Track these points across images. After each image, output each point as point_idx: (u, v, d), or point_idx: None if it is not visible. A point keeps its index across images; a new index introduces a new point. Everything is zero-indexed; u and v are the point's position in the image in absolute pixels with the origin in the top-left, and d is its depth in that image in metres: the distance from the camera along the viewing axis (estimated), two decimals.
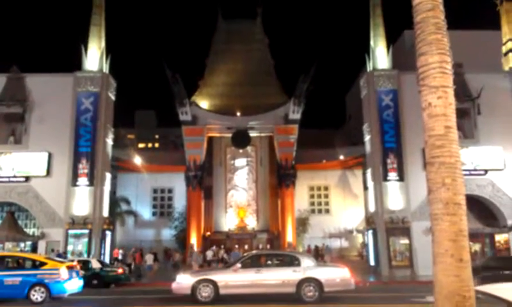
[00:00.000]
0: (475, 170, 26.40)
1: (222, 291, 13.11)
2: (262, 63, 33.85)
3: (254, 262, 14.07)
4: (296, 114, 29.94)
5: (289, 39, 76.04)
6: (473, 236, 25.88)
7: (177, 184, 32.43)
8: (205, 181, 31.32)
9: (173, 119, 31.43)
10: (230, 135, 31.21)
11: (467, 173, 25.92)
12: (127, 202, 31.98)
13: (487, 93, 26.50)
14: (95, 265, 19.93)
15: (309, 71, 29.21)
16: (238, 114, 31.24)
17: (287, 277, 13.15)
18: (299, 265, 13.41)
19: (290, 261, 13.80)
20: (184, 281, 13.45)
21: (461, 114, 26.59)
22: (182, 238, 30.80)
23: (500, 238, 26.14)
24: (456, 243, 4.50)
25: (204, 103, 32.80)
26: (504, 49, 29.75)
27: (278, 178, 30.67)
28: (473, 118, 27.22)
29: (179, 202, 32.57)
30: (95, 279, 18.58)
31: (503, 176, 26.50)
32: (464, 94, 26.75)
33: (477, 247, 26.55)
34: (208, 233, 31.88)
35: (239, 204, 33.32)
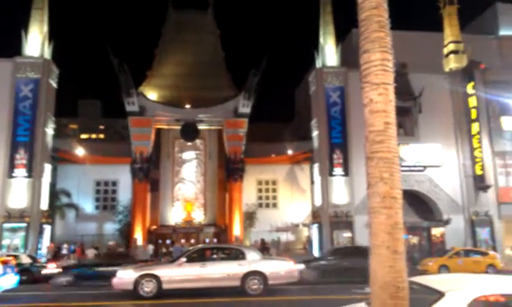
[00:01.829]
0: (414, 166, 27.64)
1: (165, 286, 12.94)
2: (212, 55, 33.52)
3: (199, 256, 14.02)
4: (245, 107, 29.94)
5: (240, 32, 76.02)
6: (412, 230, 27.18)
7: (122, 176, 31.50)
8: (151, 174, 30.61)
9: (119, 110, 30.48)
10: (178, 127, 30.71)
11: (407, 169, 27.17)
12: (68, 195, 30.72)
13: (428, 92, 27.77)
14: (25, 260, 19.00)
15: (259, 66, 29.31)
16: (187, 106, 30.80)
17: (232, 271, 13.18)
18: (244, 258, 13.48)
19: (236, 254, 13.86)
20: (125, 276, 13.15)
21: (404, 112, 27.77)
22: (126, 233, 30.01)
23: (436, 231, 27.52)
24: (392, 235, 4.62)
25: (152, 94, 32.06)
26: (445, 51, 31.25)
27: (227, 172, 30.56)
28: (414, 116, 28.45)
29: (124, 195, 31.64)
30: (24, 275, 17.51)
31: (440, 172, 27.92)
32: (407, 93, 27.91)
33: (415, 240, 27.82)
34: (154, 227, 31.25)
35: (186, 197, 32.91)
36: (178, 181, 33.24)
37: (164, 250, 29.12)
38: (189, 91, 31.16)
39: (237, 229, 29.38)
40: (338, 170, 27.08)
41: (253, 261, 13.43)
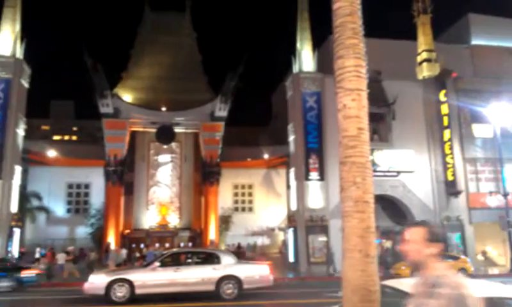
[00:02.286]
0: (388, 171, 28.03)
1: (138, 291, 12.75)
2: (189, 58, 33.32)
3: (173, 260, 13.87)
4: (222, 111, 29.87)
5: (218, 35, 75.87)
6: (385, 234, 27.53)
7: (95, 179, 30.92)
8: (125, 177, 30.17)
9: (93, 111, 29.98)
10: (154, 130, 30.40)
11: (381, 174, 27.55)
12: (39, 197, 29.93)
13: (402, 99, 28.23)
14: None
15: (237, 69, 29.30)
16: (163, 108, 30.50)
17: (207, 275, 13.09)
18: (219, 262, 13.41)
19: (211, 259, 13.77)
20: (97, 281, 12.91)
21: (378, 118, 28.20)
22: (98, 237, 29.44)
23: None
24: (364, 239, 4.66)
25: (127, 96, 31.63)
26: (419, 59, 31.89)
27: (203, 176, 30.39)
28: (388, 122, 28.89)
29: (97, 198, 31.05)
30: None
31: (413, 177, 28.41)
32: (381, 100, 28.35)
33: (388, 244, 28.20)
34: (128, 231, 30.78)
35: (161, 201, 32.54)
36: (153, 185, 32.86)
37: (137, 254, 28.70)
38: (165, 93, 30.88)
39: (212, 233, 29.23)
40: (314, 174, 27.26)
41: (228, 265, 13.38)
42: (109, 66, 37.18)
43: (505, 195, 26.10)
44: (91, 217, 30.96)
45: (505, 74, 29.39)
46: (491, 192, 28.11)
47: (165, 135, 30.32)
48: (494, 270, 26.31)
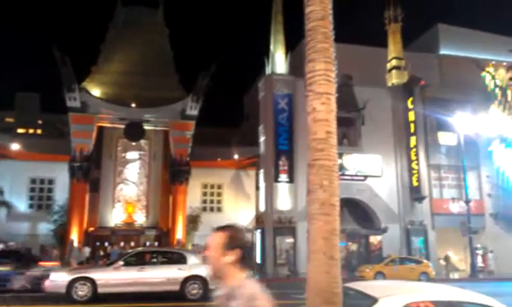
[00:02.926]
0: (356, 175, 28.51)
1: (101, 290, 12.51)
2: (161, 55, 32.86)
3: (138, 260, 13.68)
4: (193, 110, 29.63)
5: (191, 34, 75.26)
6: (351, 237, 27.99)
7: (60, 175, 30.03)
8: (91, 174, 29.45)
9: (60, 105, 29.15)
10: (122, 126, 29.82)
11: (349, 177, 27.99)
12: (0, 192, 28.92)
13: (371, 105, 28.76)
14: None
15: (209, 68, 29.15)
16: (132, 105, 29.97)
17: (172, 275, 12.97)
18: (185, 262, 13.30)
19: (176, 258, 13.66)
20: (58, 279, 12.60)
21: (348, 123, 28.65)
22: (61, 234, 28.63)
23: (374, 239, 28.51)
24: (329, 241, 4.71)
25: (96, 91, 30.92)
26: (389, 66, 32.58)
27: (171, 174, 30.01)
28: (358, 127, 29.38)
29: (61, 194, 30.16)
30: None
31: (380, 182, 28.99)
32: (351, 105, 28.81)
33: (354, 247, 28.67)
34: (92, 229, 30.06)
35: (127, 199, 31.94)
36: (120, 182, 32.22)
37: (101, 253, 28.08)
38: (135, 89, 30.31)
39: (179, 233, 28.91)
40: (283, 176, 27.40)
41: (194, 265, 13.28)
42: (79, 60, 36.28)
43: (467, 202, 27.04)
44: (54, 213, 30.08)
45: (471, 84, 30.37)
46: (453, 199, 29.04)
47: (134, 132, 29.79)
48: (455, 275, 27.16)
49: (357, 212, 28.62)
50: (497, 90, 30.74)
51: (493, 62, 32.29)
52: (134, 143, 31.60)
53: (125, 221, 31.29)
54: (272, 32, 30.32)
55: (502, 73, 31.69)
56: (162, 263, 13.71)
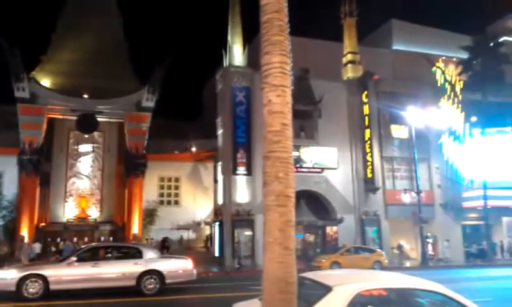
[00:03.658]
0: (313, 168, 28.98)
1: (53, 287, 12.13)
2: (115, 44, 31.89)
3: (92, 255, 13.34)
4: (149, 102, 29.05)
5: (147, 23, 73.45)
6: (308, 228, 28.47)
7: (8, 168, 28.64)
8: (42, 167, 28.32)
9: (8, 95, 27.75)
10: (74, 118, 28.82)
11: (306, 170, 28.42)
12: None
13: (328, 98, 29.25)
14: None
15: (166, 59, 28.65)
16: (85, 96, 28.98)
17: (128, 270, 12.74)
18: (141, 257, 13.10)
19: (132, 253, 13.43)
20: (7, 276, 12.13)
21: (305, 116, 29.02)
22: (11, 229, 27.43)
23: (330, 229, 29.12)
24: (284, 232, 4.75)
25: (46, 81, 29.68)
26: (344, 60, 33.18)
27: (127, 167, 29.34)
28: (314, 120, 29.80)
29: (9, 189, 28.77)
30: None
31: (336, 174, 29.60)
32: (308, 98, 29.19)
33: (311, 238, 29.18)
34: (43, 224, 28.97)
35: (80, 193, 30.98)
36: (73, 176, 31.18)
37: (53, 249, 27.13)
38: (88, 80, 29.27)
39: (135, 227, 28.38)
40: (241, 169, 27.43)
41: (150, 260, 13.10)
42: (28, 48, 34.64)
43: (418, 192, 28.12)
44: (2, 208, 28.74)
45: (422, 79, 31.49)
46: (405, 190, 30.10)
47: (86, 123, 28.85)
48: (407, 263, 28.23)
49: (314, 203, 29.09)
50: (447, 85, 32.05)
51: (444, 57, 33.62)
52: (86, 135, 30.64)
53: (78, 216, 30.36)
54: (230, 24, 30.15)
55: (451, 69, 33.09)
56: (118, 258, 13.43)
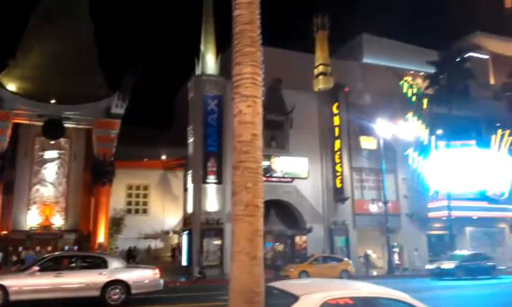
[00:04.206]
0: (283, 177, 29.15)
1: (14, 297, 11.73)
2: (85, 50, 31.18)
3: (55, 264, 12.96)
4: (119, 108, 28.55)
5: (118, 29, 72.49)
6: (278, 238, 28.59)
7: None
8: (5, 173, 27.32)
9: None
10: (41, 123, 28.02)
11: (277, 179, 28.58)
12: None
13: (299, 109, 29.56)
14: None
15: (137, 66, 28.30)
16: (52, 101, 28.24)
17: (92, 280, 12.43)
18: (105, 267, 12.80)
19: (97, 263, 13.12)
20: None
21: (276, 125, 29.25)
22: None
23: (299, 239, 29.28)
24: (252, 242, 4.76)
25: (13, 86, 28.77)
26: (316, 72, 33.63)
27: (94, 175, 28.64)
28: (286, 130, 30.06)
29: None
30: None
31: (306, 184, 29.85)
32: (280, 108, 29.44)
33: (280, 247, 29.25)
34: (5, 232, 27.91)
35: (45, 200, 30.01)
36: (37, 183, 30.20)
37: (14, 258, 26.14)
38: (56, 85, 28.46)
39: (101, 236, 27.69)
40: (211, 177, 27.31)
41: (116, 270, 12.81)
42: None
43: (385, 203, 28.71)
44: None
45: (391, 93, 32.26)
46: (373, 200, 30.67)
47: (53, 129, 28.06)
48: (373, 272, 28.67)
49: (284, 213, 29.25)
50: (414, 98, 32.98)
51: (412, 72, 34.60)
52: (53, 142, 29.79)
53: (42, 224, 29.39)
54: (203, 33, 30.10)
55: (419, 83, 34.09)
56: (82, 267, 13.08)
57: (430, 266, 25.99)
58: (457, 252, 27.26)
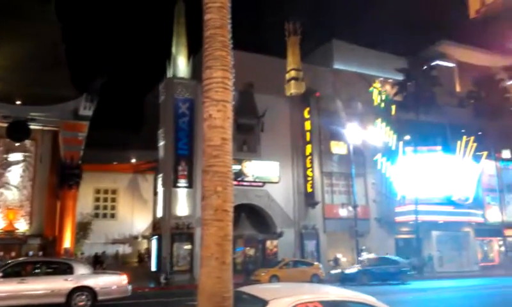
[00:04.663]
0: (255, 182, 29.18)
1: None
2: (51, 50, 30.43)
3: (19, 270, 12.57)
4: (87, 110, 27.92)
5: (88, 30, 71.05)
6: (248, 242, 28.57)
7: None
8: None
9: None
10: (5, 125, 27.10)
11: (248, 184, 28.58)
12: None
13: (271, 113, 29.67)
14: None
15: (106, 67, 27.80)
16: (17, 102, 27.37)
17: (57, 286, 12.12)
18: (71, 273, 12.50)
19: (62, 269, 12.81)
20: None
21: (248, 129, 29.27)
22: None
23: (270, 243, 29.35)
24: (221, 247, 4.75)
25: None
26: (288, 76, 33.85)
27: (61, 178, 27.84)
28: (257, 134, 30.10)
29: None
30: None
31: (277, 188, 29.97)
32: (251, 112, 29.49)
33: (251, 251, 29.23)
34: None
35: (8, 204, 28.94)
36: (1, 186, 29.11)
37: None
38: (23, 86, 27.58)
39: (68, 241, 26.96)
40: (182, 181, 27.06)
41: (82, 276, 12.54)
42: None
43: (355, 207, 29.17)
44: None
45: (360, 99, 32.82)
46: (343, 204, 31.09)
47: (18, 131, 27.16)
48: None
49: (255, 217, 29.26)
50: (383, 105, 33.69)
51: (381, 78, 35.30)
52: (18, 144, 28.84)
53: (5, 229, 28.34)
54: (174, 35, 29.85)
55: (387, 89, 34.84)
56: (47, 273, 12.74)
57: (335, 271, 25.67)
58: (364, 255, 27.15)
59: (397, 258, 26.55)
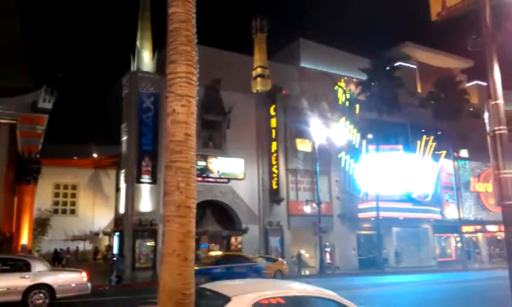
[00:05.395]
0: (220, 178, 29.09)
1: None
2: (9, 41, 29.16)
3: None
4: (47, 103, 26.96)
5: (48, 21, 68.76)
6: (213, 238, 28.45)
7: None
8: None
9: None
10: None
11: (213, 180, 28.46)
12: None
13: (237, 110, 29.61)
14: None
15: (67, 59, 26.97)
16: None
17: (13, 284, 11.71)
18: (28, 270, 12.08)
19: (19, 266, 12.37)
20: None
21: (214, 126, 29.12)
22: None
23: (234, 240, 29.37)
24: (183, 243, 4.70)
25: None
26: (254, 74, 33.89)
27: (18, 173, 26.80)
28: (223, 130, 29.98)
29: None
30: None
31: (242, 185, 29.99)
32: (218, 108, 29.34)
33: (216, 248, 29.14)
34: None
35: None
36: None
37: None
38: None
39: (25, 238, 26.02)
40: (146, 177, 26.63)
41: (39, 273, 12.15)
42: None
43: (319, 203, 29.59)
44: None
45: (325, 97, 33.23)
46: (307, 201, 31.46)
47: None
48: (306, 272, 29.40)
49: (220, 213, 29.19)
50: (347, 104, 34.28)
51: (346, 78, 35.89)
52: None
53: None
54: (139, 28, 29.27)
55: (352, 89, 35.46)
56: (2, 271, 12.26)
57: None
58: (211, 253, 25.58)
59: (250, 255, 23.72)
